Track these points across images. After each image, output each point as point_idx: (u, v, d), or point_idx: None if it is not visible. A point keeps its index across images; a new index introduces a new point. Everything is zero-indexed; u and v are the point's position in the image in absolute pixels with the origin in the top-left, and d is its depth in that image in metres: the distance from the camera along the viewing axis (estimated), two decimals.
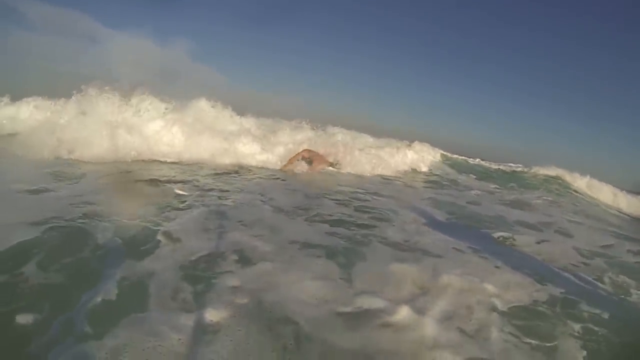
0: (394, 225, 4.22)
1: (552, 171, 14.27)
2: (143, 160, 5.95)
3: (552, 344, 2.19)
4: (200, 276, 2.33)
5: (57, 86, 6.84)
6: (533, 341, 2.19)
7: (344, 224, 3.91)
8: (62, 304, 1.90)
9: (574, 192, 12.57)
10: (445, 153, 14.04)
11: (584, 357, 2.12)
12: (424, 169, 11.24)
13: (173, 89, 7.80)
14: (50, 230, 2.68)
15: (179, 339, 1.75)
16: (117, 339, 1.70)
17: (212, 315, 1.95)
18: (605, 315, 2.64)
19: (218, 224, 3.31)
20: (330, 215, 4.21)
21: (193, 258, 2.53)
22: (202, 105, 8.23)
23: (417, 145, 12.05)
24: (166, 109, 6.95)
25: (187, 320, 1.90)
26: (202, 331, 1.84)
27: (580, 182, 13.64)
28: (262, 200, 4.48)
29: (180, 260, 2.47)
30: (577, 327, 2.44)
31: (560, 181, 13.69)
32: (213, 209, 3.77)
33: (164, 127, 6.65)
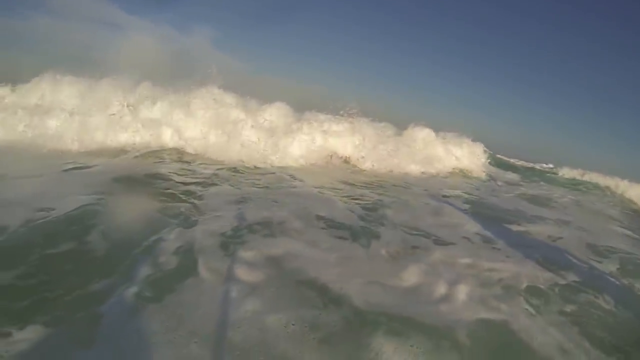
0: (413, 213, 4.61)
1: (584, 174, 14.17)
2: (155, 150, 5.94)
3: (547, 322, 2.50)
4: (235, 245, 2.75)
5: (76, 73, 7.13)
6: (531, 317, 2.51)
7: (367, 209, 4.32)
8: (125, 269, 2.28)
9: (602, 192, 12.52)
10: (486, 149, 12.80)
11: (576, 334, 2.43)
12: (476, 171, 10.35)
13: (194, 77, 7.83)
14: (102, 203, 3.15)
15: (221, 297, 2.14)
16: (174, 300, 2.05)
17: (247, 276, 2.36)
18: (606, 303, 2.93)
19: (247, 201, 3.78)
20: (355, 200, 4.66)
21: (228, 229, 2.96)
22: (217, 94, 7.73)
23: (462, 140, 10.95)
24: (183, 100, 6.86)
25: (225, 281, 2.29)
26: (239, 290, 2.22)
27: (612, 183, 13.48)
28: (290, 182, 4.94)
29: (218, 230, 2.91)
30: (572, 308, 2.75)
31: (589, 181, 13.65)
32: (243, 188, 4.25)
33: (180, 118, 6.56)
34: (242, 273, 2.39)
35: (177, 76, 7.88)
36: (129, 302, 2.01)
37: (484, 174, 10.45)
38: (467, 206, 5.75)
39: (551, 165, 16.15)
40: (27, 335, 1.67)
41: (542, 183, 12.16)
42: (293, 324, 1.96)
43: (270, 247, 2.77)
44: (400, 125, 10.48)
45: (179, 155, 5.71)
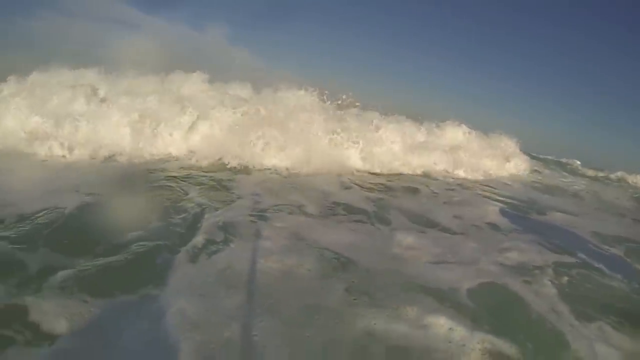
0: (425, 203, 5.05)
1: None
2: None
3: (542, 290, 2.89)
4: (263, 220, 3.31)
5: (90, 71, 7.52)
6: (528, 285, 2.91)
7: (381, 197, 4.81)
8: (179, 239, 2.82)
9: (627, 185, 12.57)
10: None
11: (569, 301, 2.80)
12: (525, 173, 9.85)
13: (211, 74, 7.70)
14: (151, 189, 3.77)
15: (253, 259, 2.63)
16: (215, 261, 2.58)
17: (274, 243, 2.89)
18: (600, 277, 3.32)
19: (272, 189, 4.36)
20: (371, 190, 5.18)
21: (255, 210, 3.54)
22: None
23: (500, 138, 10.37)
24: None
25: (257, 247, 2.81)
26: (269, 254, 2.72)
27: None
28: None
29: (246, 210, 3.50)
30: (567, 280, 3.15)
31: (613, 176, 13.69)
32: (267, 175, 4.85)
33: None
34: (270, 241, 2.93)
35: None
36: (181, 263, 2.52)
37: (536, 174, 10.11)
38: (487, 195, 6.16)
39: (578, 162, 16.14)
40: (101, 298, 2.09)
41: (564, 173, 12.33)
42: (317, 279, 2.45)
43: (291, 224, 3.32)
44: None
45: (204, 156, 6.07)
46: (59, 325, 1.87)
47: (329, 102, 7.44)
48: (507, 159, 9.71)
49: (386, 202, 4.64)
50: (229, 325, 1.94)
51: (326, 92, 7.28)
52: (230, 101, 6.66)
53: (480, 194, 6.25)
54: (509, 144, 10.40)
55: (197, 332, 1.88)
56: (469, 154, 8.51)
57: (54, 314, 1.93)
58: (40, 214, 3.03)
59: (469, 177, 7.78)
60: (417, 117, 9.31)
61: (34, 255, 2.46)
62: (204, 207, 3.43)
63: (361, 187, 5.27)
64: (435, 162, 7.63)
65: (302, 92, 7.19)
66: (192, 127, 6.02)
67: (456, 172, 7.76)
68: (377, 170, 6.59)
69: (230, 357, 1.75)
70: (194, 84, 7.24)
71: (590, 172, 14.31)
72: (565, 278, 3.16)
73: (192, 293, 2.21)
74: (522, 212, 5.49)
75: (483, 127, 11.03)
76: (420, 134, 8.63)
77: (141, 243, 2.67)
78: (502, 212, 5.07)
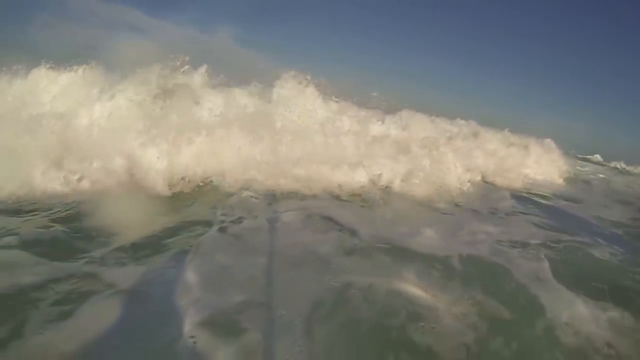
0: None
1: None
2: None
3: (528, 260, 3.31)
4: (278, 203, 3.91)
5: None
6: (516, 258, 3.34)
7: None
8: (209, 217, 3.38)
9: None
10: None
11: (552, 270, 3.19)
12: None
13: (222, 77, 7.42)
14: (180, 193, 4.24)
15: (270, 230, 3.17)
16: (244, 231, 3.11)
17: (288, 220, 3.45)
18: (587, 251, 3.74)
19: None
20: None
21: (272, 194, 4.13)
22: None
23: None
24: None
25: (273, 222, 3.36)
26: (284, 227, 3.29)
27: None
28: None
29: (262, 198, 4.02)
30: (555, 253, 3.57)
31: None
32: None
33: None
34: (285, 216, 3.50)
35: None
36: (214, 233, 3.07)
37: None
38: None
39: (598, 156, 16.16)
40: (152, 263, 2.56)
41: (581, 162, 12.47)
42: (327, 243, 3.02)
43: (304, 204, 3.92)
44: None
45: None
46: (125, 282, 2.31)
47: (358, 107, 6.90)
48: (553, 162, 9.25)
49: (391, 190, 5.08)
50: (260, 274, 2.51)
51: (354, 98, 6.66)
52: (236, 110, 5.42)
53: (484, 182, 6.61)
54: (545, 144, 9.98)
55: (235, 280, 2.39)
56: (511, 161, 8.13)
57: (120, 277, 2.37)
58: (85, 204, 3.54)
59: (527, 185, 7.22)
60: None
61: (89, 239, 2.87)
62: (224, 194, 4.01)
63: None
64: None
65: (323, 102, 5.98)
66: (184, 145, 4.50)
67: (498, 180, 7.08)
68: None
69: (263, 294, 2.29)
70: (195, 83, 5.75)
71: (610, 165, 14.44)
72: (554, 252, 3.57)
73: (225, 254, 2.72)
74: (526, 198, 5.85)
75: (490, 123, 11.32)
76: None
77: (179, 221, 3.24)
78: (504, 198, 5.45)
